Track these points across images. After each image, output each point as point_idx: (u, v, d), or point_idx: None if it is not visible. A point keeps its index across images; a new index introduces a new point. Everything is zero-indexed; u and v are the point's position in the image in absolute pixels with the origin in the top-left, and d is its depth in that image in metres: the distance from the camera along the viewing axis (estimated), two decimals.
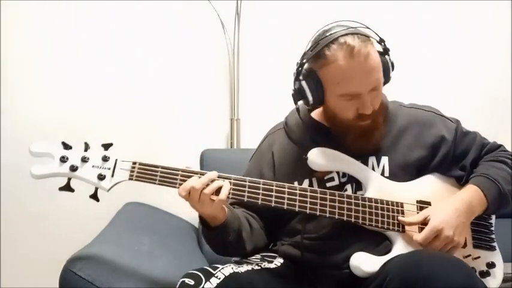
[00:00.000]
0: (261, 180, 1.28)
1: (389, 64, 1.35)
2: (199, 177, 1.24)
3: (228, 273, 1.20)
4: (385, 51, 1.34)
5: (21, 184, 2.07)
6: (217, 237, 1.31)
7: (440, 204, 1.32)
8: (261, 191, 1.27)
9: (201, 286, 1.15)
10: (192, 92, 2.20)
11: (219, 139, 2.21)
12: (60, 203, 2.10)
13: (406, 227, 1.30)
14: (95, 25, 2.12)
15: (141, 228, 1.76)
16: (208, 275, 1.18)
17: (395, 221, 1.31)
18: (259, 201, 1.26)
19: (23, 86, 2.09)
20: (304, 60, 1.33)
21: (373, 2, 2.18)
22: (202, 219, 1.30)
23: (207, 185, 1.22)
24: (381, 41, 1.34)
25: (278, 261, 1.36)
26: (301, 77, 1.34)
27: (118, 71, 2.14)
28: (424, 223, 1.28)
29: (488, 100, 2.32)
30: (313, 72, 1.32)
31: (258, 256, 1.38)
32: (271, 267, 1.33)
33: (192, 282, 1.16)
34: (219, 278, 1.17)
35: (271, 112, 2.03)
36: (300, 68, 1.34)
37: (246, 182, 1.27)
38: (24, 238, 2.11)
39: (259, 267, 1.30)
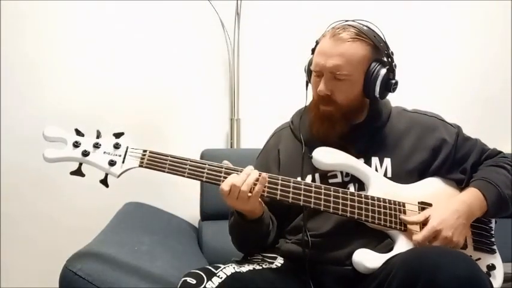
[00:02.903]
0: (267, 174, 1.29)
1: (379, 78, 1.34)
2: (212, 166, 1.26)
3: (230, 273, 1.21)
4: (389, 66, 1.36)
5: (21, 184, 2.08)
6: (252, 230, 1.33)
7: (441, 205, 1.33)
8: (266, 184, 1.28)
9: (203, 285, 1.16)
10: (192, 92, 2.20)
11: (219, 139, 2.22)
12: (60, 203, 2.11)
13: (408, 226, 1.31)
14: (95, 25, 2.11)
15: (141, 228, 1.76)
16: (210, 275, 1.19)
17: (398, 220, 1.32)
18: (265, 194, 1.28)
19: (23, 86, 2.08)
20: (318, 40, 1.41)
21: (373, 3, 2.19)
22: (238, 212, 1.32)
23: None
24: (389, 55, 1.37)
25: (279, 262, 1.37)
26: (312, 52, 1.42)
27: (117, 72, 2.14)
28: (425, 223, 1.30)
29: (488, 104, 2.32)
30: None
31: (259, 256, 1.39)
32: (272, 267, 1.34)
33: (194, 282, 1.17)
34: (221, 278, 1.18)
35: (271, 112, 2.06)
36: (315, 45, 1.42)
37: None
38: (24, 238, 2.10)
39: (261, 267, 1.31)
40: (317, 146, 1.38)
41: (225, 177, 1.26)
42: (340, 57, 1.32)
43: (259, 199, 1.29)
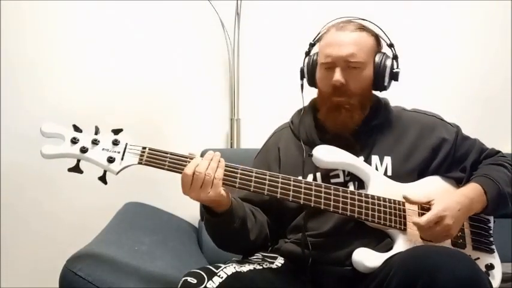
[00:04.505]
0: (268, 172, 1.29)
1: (386, 69, 1.39)
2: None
3: (231, 273, 1.21)
4: (393, 56, 1.42)
5: (21, 184, 2.08)
6: (222, 225, 1.30)
7: (443, 195, 1.34)
8: (267, 182, 1.28)
9: (204, 285, 1.16)
10: (192, 92, 2.20)
11: (219, 139, 2.21)
12: (60, 202, 2.11)
13: (407, 206, 1.32)
14: (95, 25, 2.11)
15: (141, 228, 1.76)
16: (211, 274, 1.19)
17: (397, 219, 1.32)
18: (265, 192, 1.27)
19: (22, 86, 2.08)
20: (314, 40, 1.45)
21: (373, 3, 2.19)
22: (206, 207, 1.30)
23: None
24: (390, 45, 1.43)
25: (279, 262, 1.36)
26: (310, 54, 1.47)
27: (117, 72, 2.14)
28: (424, 207, 1.31)
29: (488, 104, 2.32)
30: (315, 53, 1.45)
31: (259, 256, 1.39)
32: (273, 267, 1.33)
33: (194, 281, 1.17)
34: (222, 277, 1.18)
35: (271, 112, 2.06)
36: (310, 47, 1.46)
37: (252, 172, 1.28)
38: (24, 238, 2.10)
39: (261, 267, 1.30)
40: (317, 145, 1.38)
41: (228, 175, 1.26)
42: (353, 45, 1.36)
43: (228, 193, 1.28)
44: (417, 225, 1.27)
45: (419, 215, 1.32)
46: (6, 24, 2.05)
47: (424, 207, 1.34)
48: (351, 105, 1.38)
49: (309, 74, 1.45)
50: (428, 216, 1.27)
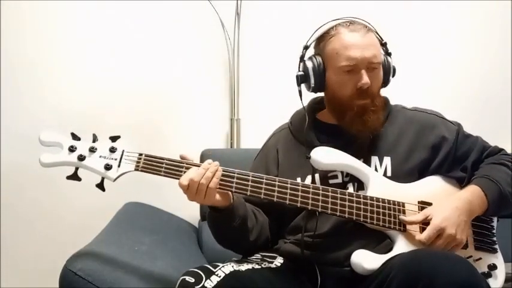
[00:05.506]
0: (264, 176, 1.30)
1: (390, 67, 1.42)
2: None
3: (229, 272, 1.21)
4: (386, 54, 1.42)
5: (21, 184, 2.08)
6: (222, 221, 1.32)
7: (441, 203, 1.32)
8: (263, 186, 1.28)
9: (202, 284, 1.16)
10: (192, 92, 2.20)
11: (219, 139, 2.21)
12: (60, 203, 2.11)
13: (408, 226, 1.31)
14: (95, 25, 2.11)
15: (141, 228, 1.76)
16: (209, 273, 1.19)
17: (397, 220, 1.31)
18: (262, 196, 1.27)
19: (22, 86, 2.09)
20: (309, 43, 1.41)
21: (373, 3, 2.19)
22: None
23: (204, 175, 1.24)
24: (384, 44, 1.42)
25: (278, 262, 1.36)
26: (305, 58, 1.42)
27: (117, 72, 2.14)
28: (425, 222, 1.29)
29: (488, 104, 2.32)
30: (316, 55, 1.41)
31: (258, 256, 1.39)
32: (272, 266, 1.33)
33: (192, 280, 1.17)
34: (220, 276, 1.18)
35: (271, 112, 2.06)
36: (304, 51, 1.42)
37: (249, 176, 1.28)
38: (24, 238, 2.10)
39: (260, 267, 1.30)
40: (316, 146, 1.38)
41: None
42: (373, 46, 1.36)
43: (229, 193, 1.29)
44: (420, 242, 1.26)
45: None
46: (6, 24, 2.05)
47: (424, 207, 1.34)
48: (376, 106, 1.38)
49: (317, 78, 1.39)
50: (427, 232, 1.25)
